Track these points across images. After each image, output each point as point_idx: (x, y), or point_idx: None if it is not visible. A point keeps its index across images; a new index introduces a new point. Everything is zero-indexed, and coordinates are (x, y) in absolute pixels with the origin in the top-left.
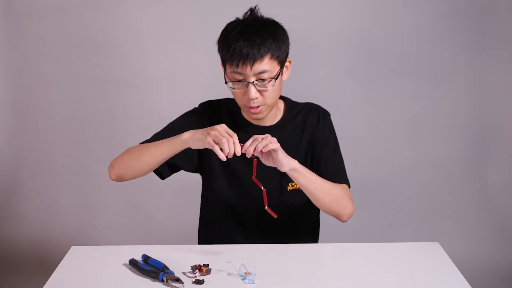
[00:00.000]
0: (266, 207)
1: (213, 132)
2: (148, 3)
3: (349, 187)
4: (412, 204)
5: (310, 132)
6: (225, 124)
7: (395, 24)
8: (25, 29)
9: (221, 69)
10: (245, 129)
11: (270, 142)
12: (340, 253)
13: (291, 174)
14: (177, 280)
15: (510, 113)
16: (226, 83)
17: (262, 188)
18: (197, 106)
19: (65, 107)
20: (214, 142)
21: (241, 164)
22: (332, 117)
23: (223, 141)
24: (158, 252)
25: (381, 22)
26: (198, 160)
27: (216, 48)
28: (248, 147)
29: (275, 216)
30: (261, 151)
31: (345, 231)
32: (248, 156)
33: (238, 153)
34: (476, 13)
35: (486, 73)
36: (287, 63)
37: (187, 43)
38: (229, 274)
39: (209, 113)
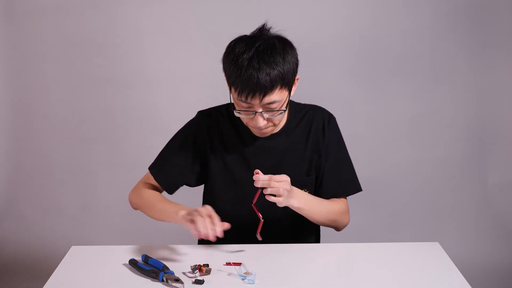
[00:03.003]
0: (253, 205)
1: (190, 216)
2: (148, 3)
3: (361, 190)
4: (412, 204)
5: (315, 138)
6: (227, 133)
7: (395, 24)
8: (25, 29)
9: (220, 70)
10: (250, 140)
11: (280, 195)
12: (340, 253)
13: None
14: (177, 280)
15: (510, 113)
16: (231, 106)
17: (261, 218)
18: (198, 107)
19: (65, 107)
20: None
21: (245, 175)
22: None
23: (197, 219)
24: (158, 252)
25: (381, 22)
26: (201, 172)
27: (214, 52)
28: (259, 181)
29: (260, 217)
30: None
31: (345, 231)
32: (256, 185)
33: (215, 235)
34: (476, 13)
35: (486, 73)
36: (295, 81)
37: (187, 43)
38: (229, 274)
39: (207, 124)
